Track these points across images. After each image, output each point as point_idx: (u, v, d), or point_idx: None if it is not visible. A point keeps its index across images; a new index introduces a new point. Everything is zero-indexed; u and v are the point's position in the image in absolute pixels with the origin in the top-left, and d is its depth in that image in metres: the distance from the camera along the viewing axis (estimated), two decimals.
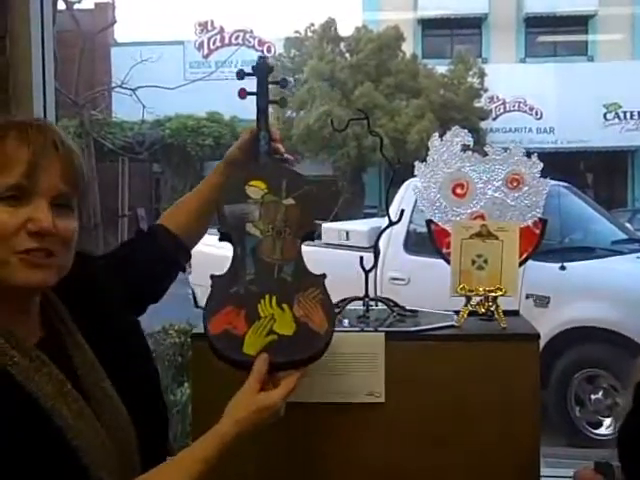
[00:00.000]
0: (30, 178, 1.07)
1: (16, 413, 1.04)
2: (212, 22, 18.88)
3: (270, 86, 1.50)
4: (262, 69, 1.51)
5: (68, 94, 8.99)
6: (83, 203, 1.17)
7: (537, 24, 18.95)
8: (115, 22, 14.81)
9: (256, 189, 1.34)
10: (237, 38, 18.81)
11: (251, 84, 1.50)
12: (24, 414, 1.05)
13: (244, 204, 1.34)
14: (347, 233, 6.43)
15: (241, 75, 1.51)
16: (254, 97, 1.49)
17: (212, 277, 1.30)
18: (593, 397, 5.12)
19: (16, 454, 1.01)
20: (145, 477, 1.12)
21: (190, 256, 1.52)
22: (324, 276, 1.32)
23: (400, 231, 5.56)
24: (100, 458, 1.08)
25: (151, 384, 1.27)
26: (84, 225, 1.19)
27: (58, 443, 1.05)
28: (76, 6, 10.92)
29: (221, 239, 1.34)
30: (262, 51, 18.03)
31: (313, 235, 1.38)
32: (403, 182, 5.23)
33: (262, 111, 1.48)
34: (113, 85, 13.87)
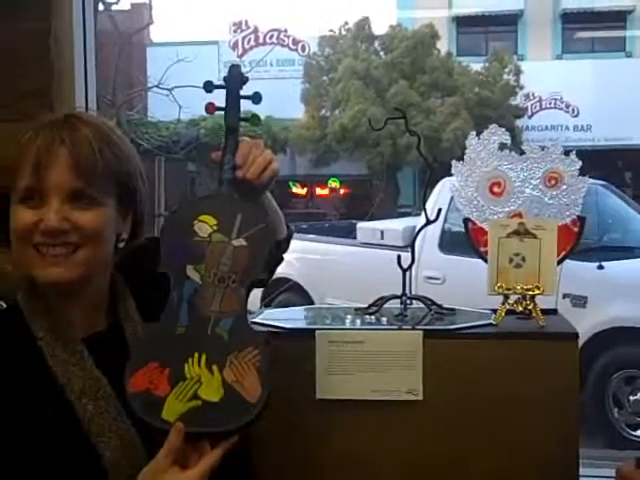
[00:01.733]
0: (36, 178, 1.09)
1: (43, 402, 1.08)
2: (246, 22, 18.95)
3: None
4: (234, 80, 1.34)
5: (105, 94, 9.10)
6: (107, 192, 1.15)
7: (574, 20, 18.71)
8: (152, 23, 14.93)
9: (204, 225, 1.19)
10: (271, 37, 18.86)
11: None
12: (50, 404, 1.09)
13: (188, 242, 1.18)
14: (382, 232, 6.43)
15: (209, 87, 1.35)
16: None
17: (144, 325, 1.18)
18: (632, 398, 5.07)
19: (36, 440, 1.06)
20: None
21: None
22: (265, 335, 1.20)
23: (435, 230, 5.56)
24: (118, 454, 1.10)
25: None
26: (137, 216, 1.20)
27: (77, 436, 1.09)
28: (113, 7, 11.03)
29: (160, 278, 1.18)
30: (296, 50, 18.07)
31: (262, 284, 1.21)
32: (438, 181, 5.22)
33: (231, 130, 1.30)
34: (149, 85, 13.99)
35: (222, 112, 1.34)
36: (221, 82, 1.35)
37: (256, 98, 1.34)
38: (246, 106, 1.35)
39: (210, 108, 1.33)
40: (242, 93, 1.34)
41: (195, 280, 1.16)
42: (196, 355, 1.12)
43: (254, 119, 1.36)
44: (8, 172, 1.12)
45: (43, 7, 2.21)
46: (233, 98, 1.32)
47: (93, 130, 1.14)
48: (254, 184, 1.29)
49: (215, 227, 1.18)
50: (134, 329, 1.20)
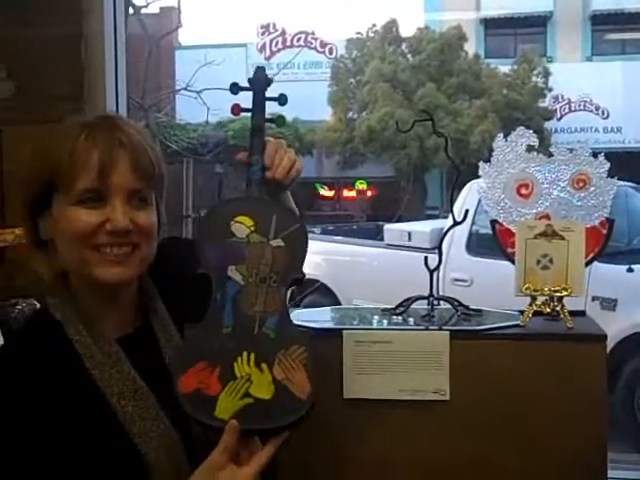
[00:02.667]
0: (102, 180, 1.10)
1: (81, 405, 1.09)
2: (274, 24, 19.01)
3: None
4: (259, 82, 1.35)
5: (135, 97, 9.19)
6: (160, 195, 1.20)
7: (604, 21, 18.53)
8: (180, 26, 15.06)
9: (241, 226, 1.20)
10: (299, 40, 18.90)
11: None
12: (89, 407, 1.09)
13: (227, 243, 1.19)
14: (409, 234, 6.43)
15: (235, 90, 1.36)
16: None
17: (186, 327, 1.17)
18: None
19: (75, 444, 1.06)
20: None
21: None
22: (309, 333, 1.21)
23: (462, 232, 5.54)
24: (160, 454, 1.11)
25: None
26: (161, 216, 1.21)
27: (119, 438, 1.10)
28: (142, 11, 11.15)
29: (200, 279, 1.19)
30: (324, 53, 18.10)
31: (301, 282, 1.22)
32: (465, 184, 5.21)
33: (257, 131, 1.32)
34: (178, 88, 14.10)
35: (248, 114, 1.36)
36: (247, 85, 1.37)
37: (282, 99, 1.36)
38: (272, 108, 1.38)
39: (235, 109, 1.35)
40: (267, 95, 1.36)
41: (237, 280, 1.17)
42: (245, 354, 1.14)
43: (280, 120, 1.38)
44: (44, 173, 1.13)
45: (74, 11, 2.25)
46: (259, 99, 1.34)
47: (140, 132, 1.17)
48: (280, 183, 1.32)
49: (252, 228, 1.20)
50: (165, 329, 1.21)
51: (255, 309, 1.16)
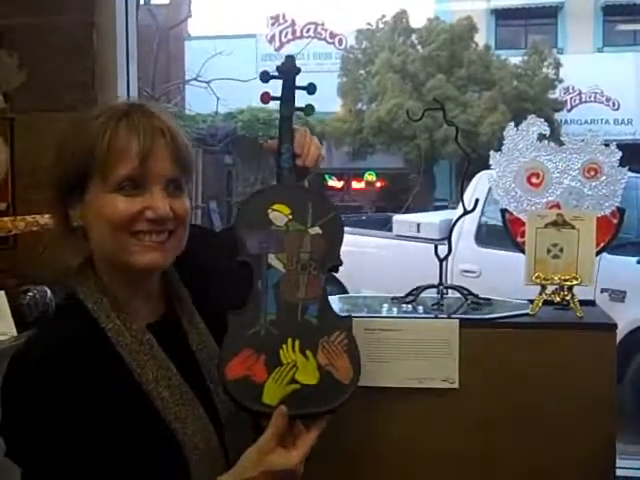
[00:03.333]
0: (143, 167, 1.10)
1: (119, 392, 1.09)
2: (284, 15, 18.96)
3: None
4: (289, 71, 1.36)
5: (144, 87, 9.20)
6: (190, 180, 1.20)
7: (616, 12, 18.40)
8: (190, 16, 15.04)
9: (279, 214, 1.22)
10: (308, 31, 18.85)
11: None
12: (126, 394, 1.10)
13: (266, 231, 1.21)
14: (418, 225, 6.42)
15: (265, 78, 1.36)
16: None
17: (229, 315, 1.17)
18: None
19: (116, 431, 1.06)
20: None
21: None
22: (350, 318, 1.22)
23: (472, 223, 5.53)
24: (197, 439, 1.12)
25: None
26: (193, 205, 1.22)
27: (156, 424, 1.10)
28: (152, 1, 11.15)
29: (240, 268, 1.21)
30: (333, 44, 18.05)
31: (337, 269, 1.24)
32: (474, 176, 5.20)
33: (286, 119, 1.33)
34: (187, 78, 14.10)
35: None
36: (276, 73, 1.38)
37: (311, 88, 1.37)
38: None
39: (265, 97, 1.35)
40: (296, 84, 1.36)
41: (278, 268, 1.19)
42: (289, 341, 1.16)
43: (309, 109, 1.38)
44: (78, 160, 1.12)
45: (87, 1, 2.25)
46: (288, 88, 1.35)
47: (173, 120, 1.17)
48: (307, 171, 1.34)
49: (290, 216, 1.22)
50: (190, 317, 1.22)
51: (297, 296, 1.19)
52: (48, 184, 1.17)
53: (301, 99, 1.36)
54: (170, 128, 1.14)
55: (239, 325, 1.16)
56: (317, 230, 1.22)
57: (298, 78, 1.36)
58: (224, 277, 1.24)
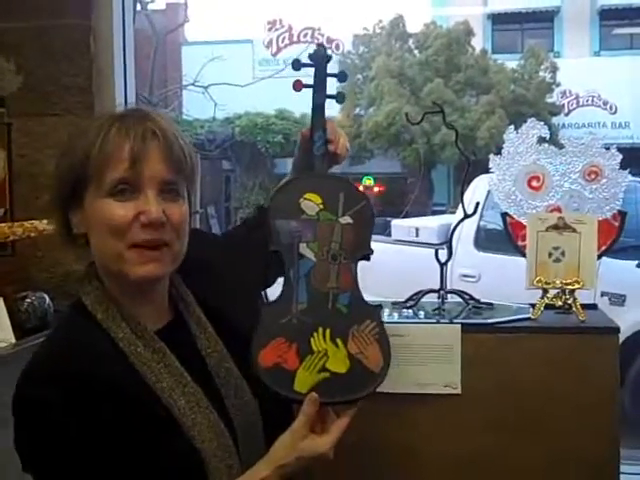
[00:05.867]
0: (134, 170, 1.08)
1: (135, 402, 1.07)
2: (280, 20, 18.98)
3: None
4: (320, 59, 1.37)
5: (142, 93, 9.19)
6: (191, 186, 1.18)
7: (612, 16, 18.44)
8: (187, 21, 15.05)
9: (311, 204, 1.23)
10: (305, 36, 18.86)
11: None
12: (143, 403, 1.08)
13: (298, 220, 1.22)
14: (417, 230, 6.41)
15: (297, 66, 1.38)
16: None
17: (262, 305, 1.22)
18: None
19: (134, 441, 1.05)
20: None
21: None
22: (381, 307, 1.24)
23: (470, 228, 5.52)
24: (213, 446, 1.11)
25: None
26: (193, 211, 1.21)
27: (174, 433, 1.09)
28: (149, 6, 11.15)
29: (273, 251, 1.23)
30: (331, 48, 18.07)
31: (368, 258, 1.26)
32: (471, 181, 5.19)
33: (318, 107, 1.34)
34: (185, 83, 14.11)
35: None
36: (308, 61, 1.39)
37: (341, 76, 1.42)
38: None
39: (298, 85, 1.37)
40: (327, 72, 1.37)
41: (309, 258, 1.21)
42: (320, 330, 1.19)
43: (340, 96, 1.40)
44: (76, 166, 1.11)
45: (83, 4, 2.24)
46: (320, 76, 1.36)
47: (171, 124, 1.15)
48: (337, 160, 1.36)
49: (321, 205, 1.23)
50: (198, 321, 1.20)
51: (328, 286, 1.20)
52: (51, 191, 1.16)
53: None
54: (163, 130, 1.12)
55: (271, 314, 1.19)
56: (348, 220, 1.23)
57: (329, 66, 1.37)
58: (227, 279, 1.24)
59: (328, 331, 1.19)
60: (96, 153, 1.09)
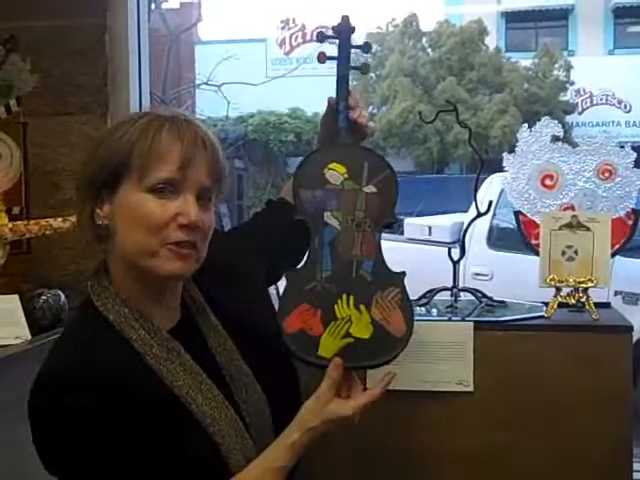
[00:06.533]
0: (181, 173, 1.11)
1: (156, 402, 1.08)
2: (294, 19, 18.98)
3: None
4: (344, 30, 1.36)
5: (155, 91, 9.23)
6: (219, 196, 1.20)
7: (626, 14, 18.32)
8: (200, 20, 15.07)
9: (335, 173, 1.25)
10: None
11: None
12: (163, 403, 1.09)
13: (322, 190, 1.24)
14: (430, 228, 6.40)
15: (321, 37, 1.39)
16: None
17: (288, 272, 1.24)
18: None
19: (158, 441, 1.06)
20: None
21: None
22: (404, 274, 1.24)
23: (483, 226, 5.51)
24: (233, 441, 1.12)
25: (281, 356, 1.26)
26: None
27: (195, 429, 1.10)
28: (163, 5, 11.18)
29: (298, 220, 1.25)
30: None
31: (393, 226, 1.29)
32: (484, 180, 5.18)
33: (342, 78, 1.34)
34: (198, 82, 14.14)
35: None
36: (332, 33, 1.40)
37: (366, 47, 1.40)
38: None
39: (321, 57, 1.38)
40: (352, 43, 1.38)
41: (334, 226, 1.23)
42: (344, 296, 1.21)
43: (364, 67, 1.43)
44: (115, 160, 1.12)
45: (99, 4, 2.26)
46: (344, 47, 1.36)
47: (213, 135, 1.19)
48: (361, 130, 1.37)
49: (345, 175, 1.24)
50: (207, 319, 1.21)
51: (352, 253, 1.23)
52: (79, 181, 1.16)
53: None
54: (211, 140, 1.15)
55: (296, 281, 1.22)
56: (372, 188, 1.25)
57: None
58: (236, 277, 1.25)
59: (352, 298, 1.21)
60: (146, 149, 1.10)
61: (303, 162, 1.27)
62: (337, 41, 1.37)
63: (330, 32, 1.38)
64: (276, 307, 1.24)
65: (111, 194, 1.13)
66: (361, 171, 1.25)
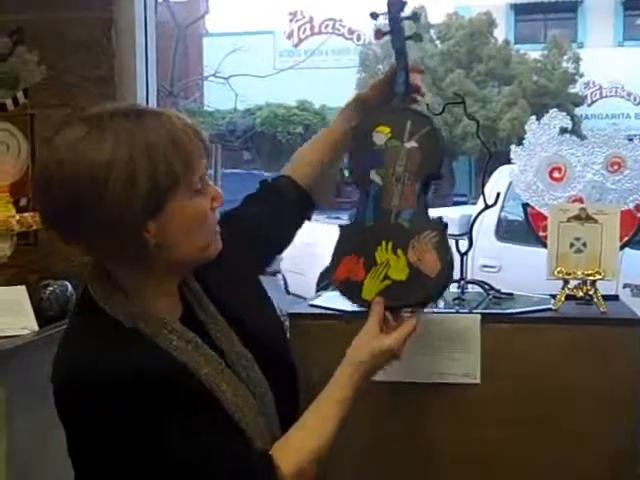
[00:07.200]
0: (206, 165, 1.15)
1: (184, 392, 1.09)
2: (302, 11, 18.96)
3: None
4: (395, 6, 1.47)
5: (163, 84, 9.23)
6: None
7: (636, 6, 18.22)
8: (208, 12, 15.06)
9: (381, 135, 1.36)
10: (326, 27, 18.83)
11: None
12: (191, 393, 1.10)
13: (369, 151, 1.36)
14: (446, 225, 6.39)
15: (374, 15, 1.48)
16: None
17: (340, 226, 1.37)
18: None
19: (189, 427, 1.07)
20: (297, 428, 1.17)
21: (315, 206, 1.51)
22: (442, 220, 1.33)
23: (492, 218, 5.50)
24: (256, 427, 1.14)
25: (277, 338, 1.30)
26: None
27: (221, 415, 1.11)
28: None
29: (347, 184, 1.43)
30: (352, 39, 18.01)
31: (437, 177, 1.37)
32: (492, 172, 5.16)
33: (399, 51, 1.45)
34: (206, 74, 14.13)
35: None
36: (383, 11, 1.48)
37: (415, 17, 1.52)
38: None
39: (378, 34, 1.50)
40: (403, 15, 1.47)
41: (377, 182, 1.35)
42: (383, 243, 1.32)
43: (417, 36, 1.52)
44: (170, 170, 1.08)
45: None
46: (396, 22, 1.45)
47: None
48: (412, 97, 1.45)
49: (389, 135, 1.36)
50: (207, 308, 1.22)
51: (392, 204, 1.34)
52: (127, 198, 1.05)
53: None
54: (192, 122, 1.17)
55: (345, 234, 1.37)
56: (413, 144, 1.34)
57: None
58: (229, 263, 1.24)
59: (390, 243, 1.32)
60: (181, 157, 1.08)
61: (354, 127, 1.41)
62: (389, 16, 1.46)
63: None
64: (267, 300, 1.34)
65: (158, 211, 1.07)
66: (404, 129, 1.35)
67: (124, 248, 1.09)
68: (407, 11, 1.46)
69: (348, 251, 1.34)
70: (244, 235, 1.34)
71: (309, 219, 1.52)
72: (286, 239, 1.49)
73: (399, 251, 1.31)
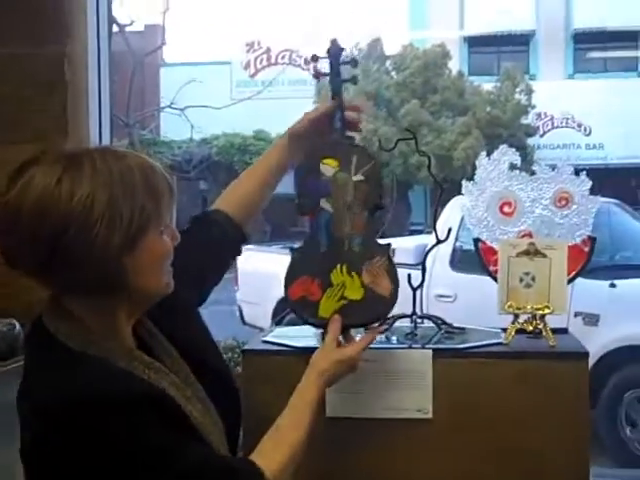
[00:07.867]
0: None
1: (165, 413, 1.09)
2: (259, 42, 19.07)
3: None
4: (335, 52, 1.56)
5: (119, 114, 9.17)
6: None
7: (586, 40, 18.73)
8: (164, 44, 15.05)
9: (328, 167, 1.46)
10: (283, 57, 18.96)
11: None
12: (169, 413, 1.10)
13: (318, 181, 1.46)
14: (393, 250, 6.42)
15: (315, 58, 1.57)
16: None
17: (292, 250, 1.46)
18: None
19: (174, 448, 1.08)
20: (273, 431, 1.24)
21: (246, 239, 1.55)
22: (389, 245, 1.44)
23: (446, 248, 5.55)
24: (224, 450, 1.20)
25: (222, 369, 1.33)
26: None
27: (198, 434, 1.14)
28: (127, 29, 11.15)
29: (300, 213, 1.47)
30: (308, 70, 18.13)
31: (381, 207, 1.48)
32: (449, 200, 5.22)
33: (335, 92, 1.54)
34: (162, 105, 14.10)
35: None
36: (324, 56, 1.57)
37: (353, 62, 1.61)
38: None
39: (317, 75, 1.62)
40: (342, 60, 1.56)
41: (328, 210, 1.45)
42: (338, 266, 1.43)
43: (354, 79, 1.59)
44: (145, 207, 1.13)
45: (59, 31, 2.25)
46: (335, 66, 1.55)
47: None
48: (355, 129, 1.54)
49: (337, 167, 1.46)
50: (155, 335, 1.24)
51: (344, 231, 1.44)
52: (106, 236, 1.07)
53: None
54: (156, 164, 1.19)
55: (298, 257, 1.46)
56: (360, 177, 1.46)
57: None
58: (177, 307, 1.27)
59: (345, 266, 1.43)
60: (154, 195, 1.13)
61: (304, 158, 1.51)
62: (329, 60, 1.55)
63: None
64: (209, 332, 1.38)
65: (132, 247, 1.10)
66: (350, 163, 1.46)
67: (94, 283, 1.10)
68: (346, 57, 1.56)
69: (302, 273, 1.44)
70: (187, 279, 1.34)
71: (240, 254, 1.57)
72: (223, 271, 1.54)
73: (353, 274, 1.43)
